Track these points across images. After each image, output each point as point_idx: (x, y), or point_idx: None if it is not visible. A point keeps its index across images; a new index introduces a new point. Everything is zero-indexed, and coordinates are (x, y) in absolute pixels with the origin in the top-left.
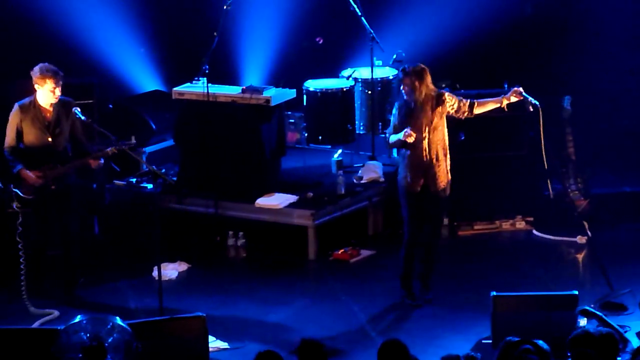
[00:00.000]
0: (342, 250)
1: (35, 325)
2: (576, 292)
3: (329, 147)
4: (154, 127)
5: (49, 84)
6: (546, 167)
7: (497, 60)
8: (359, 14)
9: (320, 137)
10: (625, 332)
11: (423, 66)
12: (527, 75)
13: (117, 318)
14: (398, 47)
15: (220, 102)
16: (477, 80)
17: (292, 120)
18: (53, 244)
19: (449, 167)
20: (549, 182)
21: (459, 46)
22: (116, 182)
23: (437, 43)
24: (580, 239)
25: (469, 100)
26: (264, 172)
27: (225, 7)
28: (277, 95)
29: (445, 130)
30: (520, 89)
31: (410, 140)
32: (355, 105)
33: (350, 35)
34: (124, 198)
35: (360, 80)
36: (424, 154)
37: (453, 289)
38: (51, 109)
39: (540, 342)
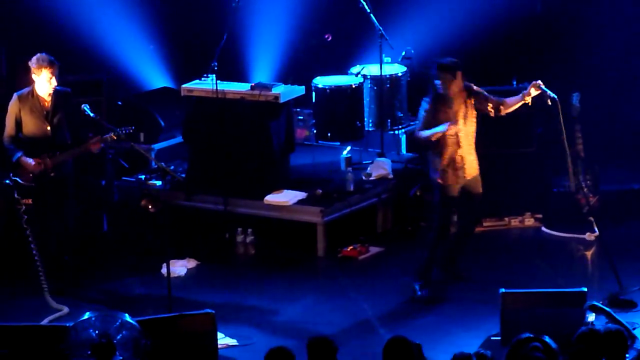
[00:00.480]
0: (351, 247)
1: (45, 322)
2: (585, 289)
3: (338, 144)
4: (162, 124)
5: (45, 73)
6: (569, 157)
7: (506, 57)
8: (368, 10)
9: (329, 134)
10: (634, 329)
11: (457, 60)
12: (536, 73)
13: (126, 315)
14: (407, 44)
15: (229, 99)
16: (486, 77)
17: (301, 117)
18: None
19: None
20: (570, 172)
21: (468, 43)
22: (125, 178)
23: (445, 40)
24: (589, 236)
25: (496, 99)
26: (273, 169)
27: (234, 4)
28: (286, 92)
29: (475, 124)
30: (539, 82)
31: (453, 131)
32: (364, 102)
33: (359, 32)
34: (133, 195)
35: (369, 77)
36: (459, 146)
37: (462, 285)
38: (49, 99)
39: (549, 340)
